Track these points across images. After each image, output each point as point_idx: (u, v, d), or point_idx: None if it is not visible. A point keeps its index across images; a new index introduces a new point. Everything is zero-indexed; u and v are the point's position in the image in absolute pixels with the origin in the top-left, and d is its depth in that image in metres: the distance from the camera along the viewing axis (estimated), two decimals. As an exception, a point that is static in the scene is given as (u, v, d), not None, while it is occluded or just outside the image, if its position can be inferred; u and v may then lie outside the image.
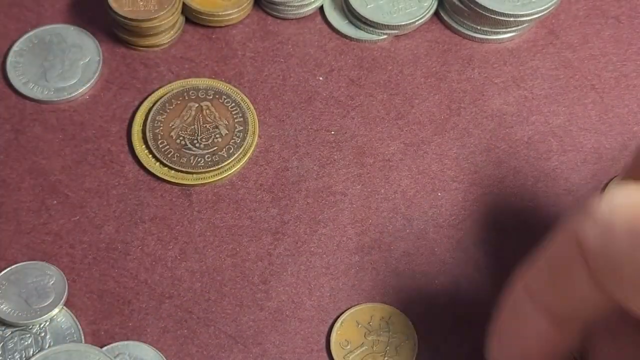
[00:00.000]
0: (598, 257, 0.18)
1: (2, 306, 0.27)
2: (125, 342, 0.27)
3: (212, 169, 0.30)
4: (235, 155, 0.30)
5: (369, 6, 0.33)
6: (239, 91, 0.32)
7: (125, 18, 0.31)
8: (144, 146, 0.30)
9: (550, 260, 0.20)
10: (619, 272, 0.18)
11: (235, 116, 0.31)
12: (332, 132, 0.31)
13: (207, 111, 0.31)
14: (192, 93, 0.31)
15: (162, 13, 0.31)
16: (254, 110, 0.31)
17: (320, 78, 0.32)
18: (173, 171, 0.30)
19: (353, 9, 0.33)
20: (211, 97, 0.31)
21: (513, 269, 0.22)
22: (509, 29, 0.33)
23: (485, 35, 0.33)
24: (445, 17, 0.34)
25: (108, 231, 0.29)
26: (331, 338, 0.27)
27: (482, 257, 0.29)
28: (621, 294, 0.18)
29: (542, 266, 0.21)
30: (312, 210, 0.29)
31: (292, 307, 0.28)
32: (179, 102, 0.31)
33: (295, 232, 0.29)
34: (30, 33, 0.32)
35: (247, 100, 0.31)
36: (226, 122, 0.31)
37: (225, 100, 0.31)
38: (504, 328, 0.23)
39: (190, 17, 0.33)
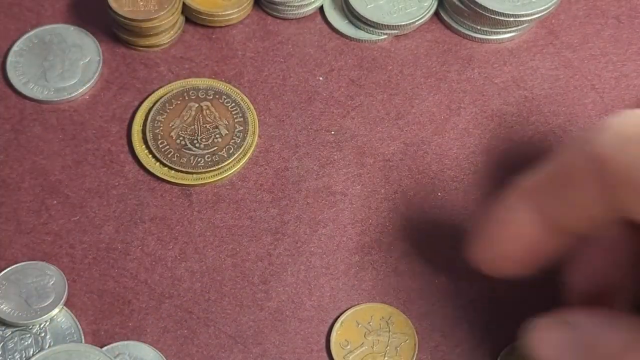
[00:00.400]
0: (616, 168, 0.19)
1: (2, 306, 0.27)
2: (125, 342, 0.27)
3: (212, 169, 0.30)
4: (235, 155, 0.30)
5: (369, 6, 0.33)
6: (239, 91, 0.32)
7: (125, 18, 0.31)
8: (144, 146, 0.30)
9: (559, 174, 0.21)
10: (629, 183, 0.19)
11: (235, 116, 0.31)
12: (332, 132, 0.31)
13: (207, 111, 0.31)
14: (192, 93, 0.31)
15: (162, 13, 0.31)
16: (254, 110, 0.31)
17: (320, 78, 0.32)
18: (173, 171, 0.30)
19: (353, 8, 0.33)
20: (211, 97, 0.31)
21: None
22: (509, 29, 0.33)
23: (485, 35, 0.33)
24: (445, 17, 0.34)
25: (108, 231, 0.29)
26: (331, 338, 0.27)
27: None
28: (636, 205, 0.19)
29: (548, 178, 0.21)
30: (312, 210, 0.29)
31: (292, 307, 0.28)
32: (179, 102, 0.31)
33: (295, 232, 0.29)
34: (30, 33, 0.32)
35: (247, 100, 0.31)
36: (226, 122, 0.31)
37: (225, 100, 0.31)
38: (494, 230, 0.23)
39: (190, 17, 0.33)
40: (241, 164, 0.30)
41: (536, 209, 0.22)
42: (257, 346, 0.27)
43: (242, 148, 0.30)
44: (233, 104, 0.31)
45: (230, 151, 0.30)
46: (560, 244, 0.22)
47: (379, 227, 0.29)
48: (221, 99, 0.31)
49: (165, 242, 0.29)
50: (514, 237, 0.23)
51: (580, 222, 0.21)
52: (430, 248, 0.29)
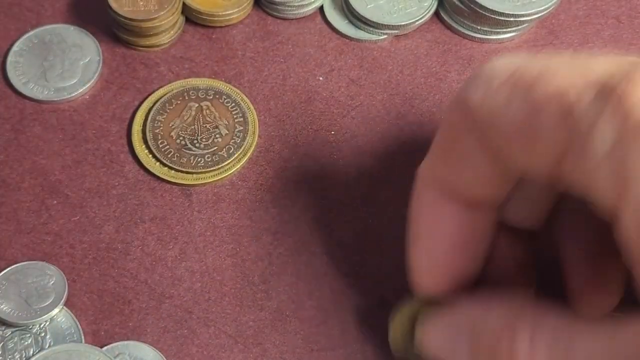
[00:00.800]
0: (485, 114, 0.19)
1: (2, 306, 0.27)
2: (125, 342, 0.27)
3: (212, 169, 0.30)
4: (235, 155, 0.30)
5: (369, 6, 0.33)
6: (239, 91, 0.32)
7: (125, 18, 0.31)
8: (144, 146, 0.30)
9: (445, 141, 0.21)
10: (498, 126, 0.18)
11: (235, 116, 0.31)
12: (332, 132, 0.31)
13: (207, 111, 0.31)
14: (192, 93, 0.31)
15: (162, 13, 0.31)
16: (254, 110, 0.31)
17: (320, 78, 0.32)
18: (173, 171, 0.30)
19: (353, 8, 0.33)
20: (211, 97, 0.31)
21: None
22: (509, 29, 0.33)
23: (485, 35, 0.33)
24: (445, 17, 0.34)
25: (108, 231, 0.29)
26: None
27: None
28: (507, 153, 0.19)
29: (437, 150, 0.21)
30: (312, 210, 0.29)
31: (292, 307, 0.28)
32: (179, 102, 0.31)
33: (295, 232, 0.29)
34: (30, 33, 0.33)
35: (247, 100, 0.31)
36: (226, 122, 0.31)
37: (225, 100, 0.31)
38: (419, 233, 0.22)
39: (190, 17, 0.33)
40: (241, 163, 0.30)
41: (439, 188, 0.21)
42: (257, 346, 0.27)
43: (242, 148, 0.30)
44: (233, 104, 0.31)
45: (230, 151, 0.30)
46: (481, 223, 0.22)
47: (380, 227, 0.29)
48: (221, 99, 0.31)
49: (165, 242, 0.29)
50: (436, 231, 0.22)
51: (484, 189, 0.21)
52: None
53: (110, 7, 0.31)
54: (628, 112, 0.16)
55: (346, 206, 0.30)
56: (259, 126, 0.31)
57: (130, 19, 0.31)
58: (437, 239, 0.22)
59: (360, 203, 0.30)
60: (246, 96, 0.31)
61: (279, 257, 0.29)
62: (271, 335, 0.27)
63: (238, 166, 0.30)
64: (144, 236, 0.29)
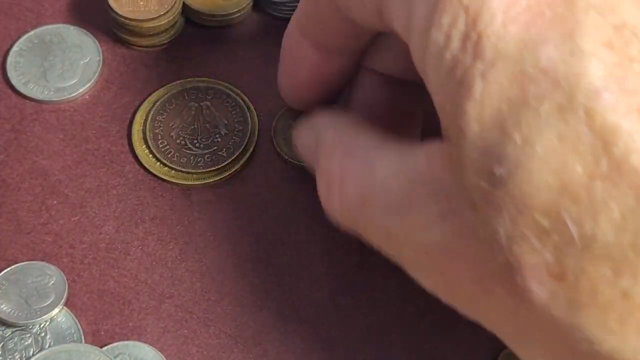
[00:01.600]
0: None
1: (2, 306, 0.27)
2: (125, 342, 0.27)
3: (212, 169, 0.30)
4: (235, 155, 0.30)
5: (369, 6, 0.33)
6: (238, 91, 0.32)
7: (126, 18, 0.31)
8: (144, 146, 0.30)
9: None
10: None
11: (235, 116, 0.31)
12: (332, 132, 0.31)
13: (207, 111, 0.31)
14: (192, 93, 0.31)
15: (162, 13, 0.31)
16: (254, 110, 0.31)
17: (320, 78, 0.32)
18: (173, 171, 0.30)
19: (353, 9, 0.33)
20: (211, 97, 0.31)
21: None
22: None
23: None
24: (445, 17, 0.34)
25: (108, 231, 0.29)
26: None
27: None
28: (345, 7, 0.22)
29: (304, 2, 0.24)
30: (312, 210, 0.29)
31: (292, 307, 0.28)
32: (179, 102, 0.31)
33: (296, 232, 0.29)
34: (30, 33, 0.32)
35: (247, 100, 0.31)
36: (226, 122, 0.31)
37: (225, 100, 0.31)
38: (285, 59, 0.27)
39: (190, 17, 0.33)
40: (241, 163, 0.30)
41: (302, 32, 0.25)
42: (257, 346, 0.27)
43: (242, 148, 0.30)
44: (233, 104, 0.31)
45: (230, 151, 0.30)
46: (338, 65, 0.25)
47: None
48: (221, 99, 0.31)
49: (165, 242, 0.29)
50: (298, 65, 0.26)
51: (337, 40, 0.24)
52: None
53: (110, 7, 0.31)
54: None
55: (346, 206, 0.30)
56: (258, 125, 0.31)
57: (130, 19, 0.31)
58: (297, 71, 0.26)
59: (360, 203, 0.30)
60: (246, 96, 0.31)
61: (279, 257, 0.29)
62: (271, 335, 0.27)
63: (238, 166, 0.30)
64: (144, 236, 0.29)
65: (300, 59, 0.26)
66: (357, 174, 0.21)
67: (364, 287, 0.28)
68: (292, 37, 0.26)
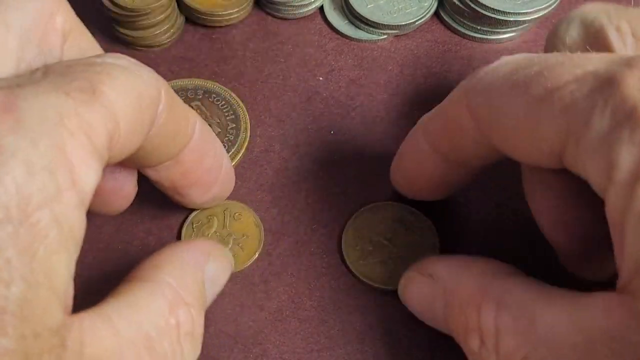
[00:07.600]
0: (483, 115, 0.21)
1: (2, 306, 0.27)
2: (125, 342, 0.27)
3: (210, 168, 0.30)
4: (230, 152, 0.30)
5: (369, 6, 0.33)
6: (227, 89, 0.31)
7: (122, 8, 0.31)
8: (143, 146, 0.30)
9: (446, 113, 0.23)
10: (498, 122, 0.20)
11: (226, 113, 0.31)
12: (332, 132, 0.31)
13: (198, 111, 0.31)
14: (180, 94, 0.31)
15: (158, 3, 0.31)
16: (244, 107, 0.31)
17: (320, 78, 0.32)
18: (173, 171, 0.30)
19: (353, 8, 0.33)
20: (200, 97, 0.31)
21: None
22: (509, 29, 0.33)
23: (485, 35, 0.33)
24: (445, 17, 0.34)
25: (108, 231, 0.29)
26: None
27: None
28: (499, 141, 0.21)
29: (439, 116, 0.24)
30: (312, 210, 0.29)
31: (292, 307, 0.28)
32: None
33: (296, 232, 0.29)
34: (30, 33, 0.32)
35: (236, 97, 0.31)
36: (218, 120, 0.31)
37: (215, 99, 0.31)
38: (405, 159, 0.27)
39: (190, 17, 0.33)
40: (236, 160, 0.30)
41: (432, 145, 0.24)
42: (257, 346, 0.27)
43: (237, 145, 0.30)
44: (223, 102, 0.31)
45: (225, 148, 0.30)
46: (455, 173, 0.25)
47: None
48: (210, 98, 0.31)
49: (166, 242, 0.29)
50: (417, 167, 0.26)
51: (468, 158, 0.24)
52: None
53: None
54: (620, 103, 0.17)
55: (346, 206, 0.30)
56: (252, 122, 0.31)
57: (128, 9, 0.31)
58: (416, 171, 0.26)
59: (360, 203, 0.30)
60: (237, 94, 0.31)
61: (279, 257, 0.29)
62: (271, 335, 0.27)
63: (233, 162, 0.30)
64: (144, 236, 0.29)
65: (421, 162, 0.25)
66: (517, 327, 0.20)
67: (364, 287, 0.28)
68: (417, 143, 0.25)
